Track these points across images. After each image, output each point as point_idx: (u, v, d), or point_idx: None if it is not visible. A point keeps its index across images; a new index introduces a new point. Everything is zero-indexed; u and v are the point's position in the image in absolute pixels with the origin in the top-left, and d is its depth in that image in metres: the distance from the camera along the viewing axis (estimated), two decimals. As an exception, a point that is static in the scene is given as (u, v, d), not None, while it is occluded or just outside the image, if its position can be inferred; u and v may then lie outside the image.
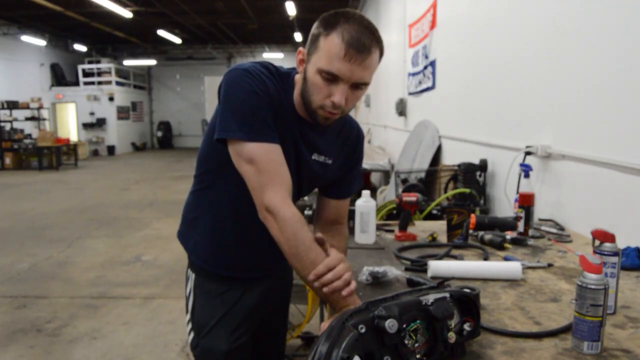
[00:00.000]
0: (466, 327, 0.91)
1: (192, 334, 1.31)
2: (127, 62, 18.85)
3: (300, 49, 1.11)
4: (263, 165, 1.05)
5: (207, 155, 1.23)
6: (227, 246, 1.26)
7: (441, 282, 0.98)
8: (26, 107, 13.53)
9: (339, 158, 1.28)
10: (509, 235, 1.76)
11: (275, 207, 1.03)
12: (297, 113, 1.16)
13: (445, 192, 3.55)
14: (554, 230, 1.94)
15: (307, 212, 2.27)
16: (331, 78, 1.03)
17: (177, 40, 16.67)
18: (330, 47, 1.01)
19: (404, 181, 4.02)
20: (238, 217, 1.23)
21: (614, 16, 1.83)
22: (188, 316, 1.32)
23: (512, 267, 1.37)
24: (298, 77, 1.15)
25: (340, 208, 1.35)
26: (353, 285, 0.99)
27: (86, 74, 17.55)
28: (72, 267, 4.57)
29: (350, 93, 1.06)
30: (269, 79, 1.11)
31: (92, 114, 17.38)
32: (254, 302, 1.31)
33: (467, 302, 0.92)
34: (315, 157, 1.22)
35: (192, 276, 1.31)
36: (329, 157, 1.25)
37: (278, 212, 1.03)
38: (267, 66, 1.14)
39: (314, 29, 1.06)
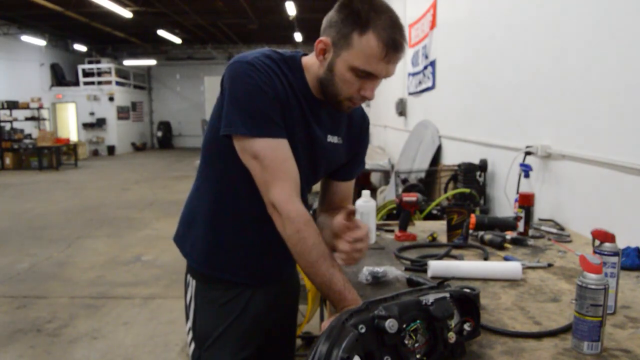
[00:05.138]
0: (466, 327, 0.91)
1: (193, 345, 1.24)
2: (127, 62, 18.84)
3: (323, 38, 1.07)
4: (267, 162, 1.04)
5: (209, 147, 1.19)
6: (225, 245, 1.20)
7: (441, 282, 0.98)
8: (26, 107, 13.54)
9: (347, 138, 1.27)
10: (509, 235, 1.76)
11: (280, 205, 1.03)
12: (311, 94, 1.14)
13: (445, 192, 3.55)
14: (554, 230, 1.94)
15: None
16: (365, 75, 1.05)
17: (177, 40, 16.67)
18: (368, 48, 1.01)
19: (404, 181, 4.02)
20: (239, 214, 1.18)
21: (614, 16, 1.83)
22: (189, 325, 1.25)
23: (512, 267, 1.37)
24: (308, 60, 1.15)
25: (346, 190, 1.33)
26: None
27: (86, 74, 17.55)
28: (72, 267, 4.57)
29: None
30: (272, 71, 1.08)
31: (92, 114, 17.38)
32: (259, 312, 1.24)
33: (467, 302, 0.92)
34: (330, 138, 1.21)
35: (193, 283, 1.24)
36: (340, 137, 1.24)
37: (283, 210, 1.03)
38: (270, 55, 1.11)
39: (342, 22, 1.03)
